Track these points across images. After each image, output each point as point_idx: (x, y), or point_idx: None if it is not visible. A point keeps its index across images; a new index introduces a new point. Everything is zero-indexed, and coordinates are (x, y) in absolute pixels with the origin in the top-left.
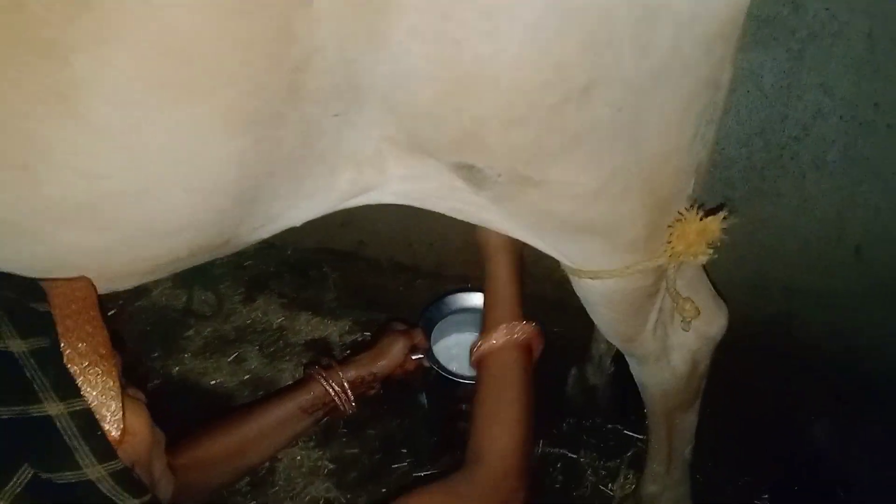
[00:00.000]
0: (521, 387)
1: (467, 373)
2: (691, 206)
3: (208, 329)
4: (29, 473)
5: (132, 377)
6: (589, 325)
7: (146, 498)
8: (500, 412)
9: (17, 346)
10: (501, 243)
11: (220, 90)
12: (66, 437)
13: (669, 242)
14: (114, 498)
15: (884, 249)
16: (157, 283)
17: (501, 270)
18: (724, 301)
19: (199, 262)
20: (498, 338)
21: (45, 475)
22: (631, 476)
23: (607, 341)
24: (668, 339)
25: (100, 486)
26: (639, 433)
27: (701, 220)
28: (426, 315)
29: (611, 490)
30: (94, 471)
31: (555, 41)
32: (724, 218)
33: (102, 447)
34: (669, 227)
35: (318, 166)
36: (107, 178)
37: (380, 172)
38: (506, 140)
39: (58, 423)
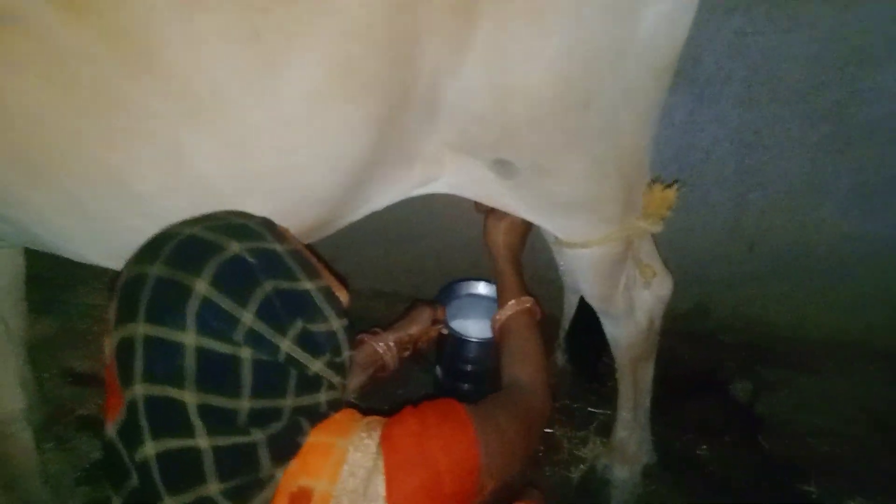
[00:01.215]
0: (535, 337)
1: (477, 335)
2: (652, 182)
3: None
4: (301, 325)
5: None
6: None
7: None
8: (525, 353)
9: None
10: (505, 244)
11: (366, 98)
12: (318, 302)
13: (644, 207)
14: (341, 346)
15: (770, 243)
16: None
17: (506, 265)
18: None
19: (312, 239)
20: (512, 307)
21: (308, 326)
22: (598, 441)
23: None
24: (633, 300)
25: (339, 335)
26: (599, 409)
27: (662, 191)
28: (438, 298)
29: (583, 453)
30: (337, 322)
31: (566, 69)
32: (677, 189)
33: (339, 308)
34: (644, 194)
35: (403, 160)
36: (292, 153)
37: (439, 168)
38: (530, 138)
39: (313, 294)
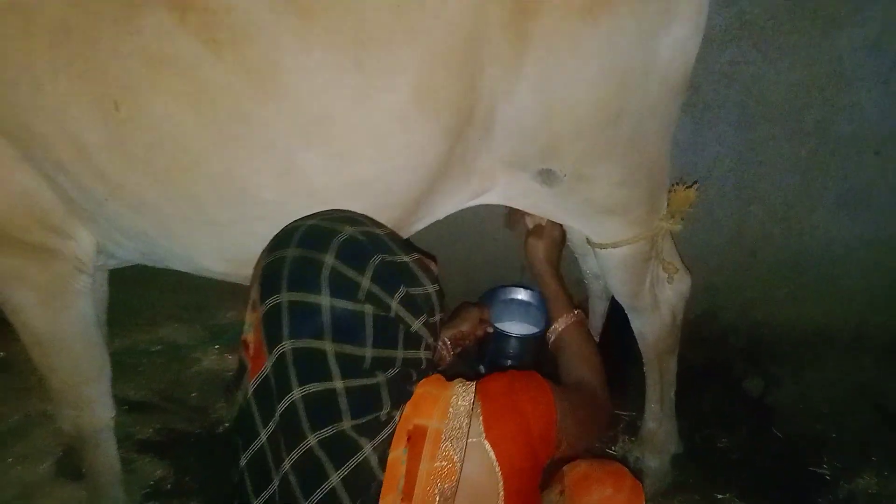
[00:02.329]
0: (590, 343)
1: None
2: (674, 185)
3: None
4: (404, 289)
5: None
6: None
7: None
8: (584, 358)
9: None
10: (546, 259)
11: (442, 116)
12: (415, 271)
13: (668, 205)
14: (435, 307)
15: (770, 250)
16: None
17: (551, 279)
18: None
19: None
20: (565, 321)
21: (409, 290)
22: (626, 439)
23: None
24: (657, 296)
25: (433, 298)
26: (625, 412)
27: (684, 191)
28: (482, 301)
29: (614, 451)
30: (431, 287)
31: (601, 90)
32: (696, 189)
33: (432, 276)
34: (668, 192)
35: (463, 173)
36: (383, 163)
37: (492, 181)
38: (571, 150)
39: (410, 265)
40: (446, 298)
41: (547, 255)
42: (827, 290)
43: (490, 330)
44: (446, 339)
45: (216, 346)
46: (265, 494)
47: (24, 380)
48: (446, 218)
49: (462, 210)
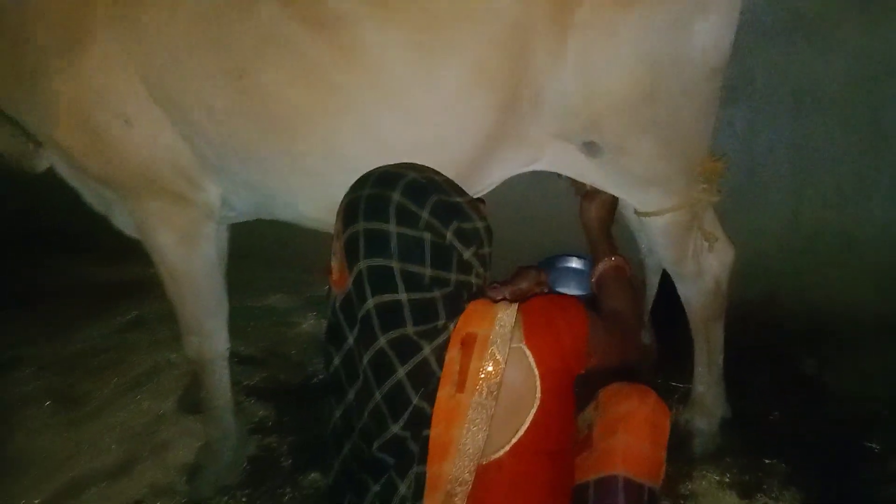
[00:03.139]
0: (627, 283)
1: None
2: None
3: None
4: (456, 224)
5: None
6: None
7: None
8: (621, 295)
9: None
10: (597, 217)
11: (496, 88)
12: (466, 210)
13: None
14: (484, 240)
15: (826, 236)
16: None
17: (599, 234)
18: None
19: None
20: (606, 263)
21: (461, 225)
22: (679, 408)
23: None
24: (701, 264)
25: (481, 232)
26: (678, 383)
27: (712, 163)
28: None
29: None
30: (480, 223)
31: (637, 72)
32: (723, 161)
33: (481, 215)
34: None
35: (516, 142)
36: (446, 126)
37: (541, 150)
38: (611, 125)
39: (462, 204)
40: (510, 262)
41: (598, 213)
42: (882, 273)
43: (546, 291)
44: (507, 295)
45: (313, 313)
46: (356, 386)
47: (153, 334)
48: (513, 190)
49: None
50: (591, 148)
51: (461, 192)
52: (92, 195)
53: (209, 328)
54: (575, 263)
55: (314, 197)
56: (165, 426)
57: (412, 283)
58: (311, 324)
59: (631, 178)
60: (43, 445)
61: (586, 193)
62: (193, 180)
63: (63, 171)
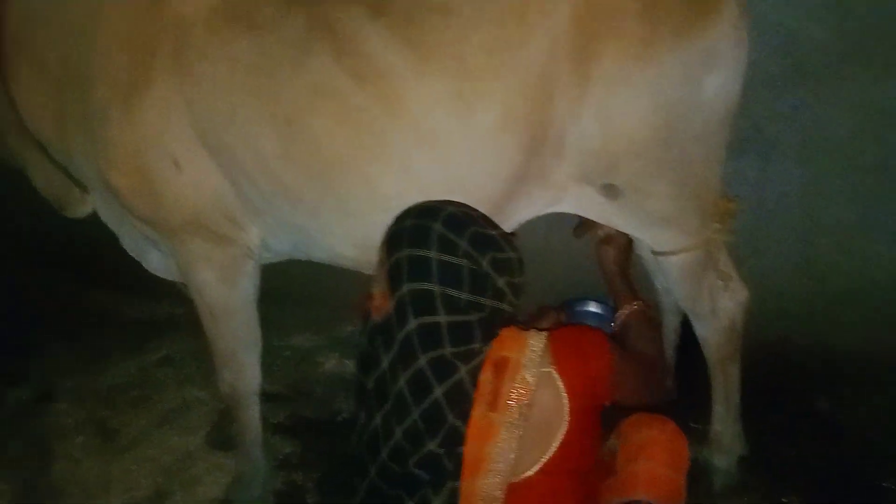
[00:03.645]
0: (651, 327)
1: None
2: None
3: None
4: (491, 254)
5: None
6: None
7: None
8: (645, 339)
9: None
10: (616, 262)
11: (522, 132)
12: (501, 242)
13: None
14: (516, 270)
15: (837, 278)
16: None
17: (618, 279)
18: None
19: None
20: (628, 309)
21: (496, 255)
22: (695, 446)
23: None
24: (716, 303)
25: (514, 263)
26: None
27: (726, 203)
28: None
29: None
30: (513, 254)
31: (653, 120)
32: (736, 202)
33: (514, 246)
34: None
35: (540, 183)
36: (476, 166)
37: (563, 192)
38: (629, 168)
39: (497, 237)
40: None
41: (616, 258)
42: (893, 313)
43: None
44: None
45: (336, 353)
46: (384, 409)
47: (180, 372)
48: (533, 232)
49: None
50: (610, 190)
51: (495, 226)
52: (129, 238)
53: (244, 363)
54: (594, 307)
55: (352, 235)
56: (195, 461)
57: (451, 306)
58: (335, 363)
59: (648, 218)
60: (79, 476)
61: (603, 238)
62: (236, 221)
63: (105, 214)
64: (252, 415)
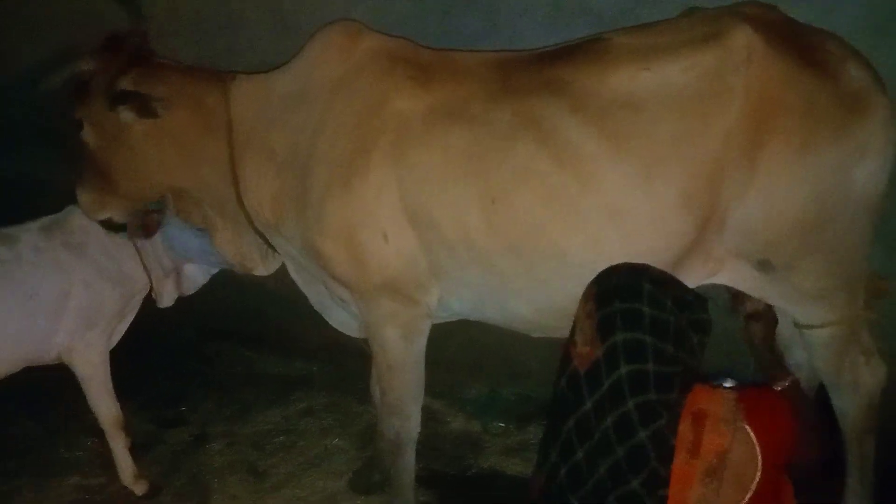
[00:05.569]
0: (806, 399)
1: None
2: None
3: None
4: (688, 314)
5: None
6: None
7: None
8: (804, 409)
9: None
10: (763, 337)
11: (695, 210)
12: (695, 303)
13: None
14: (706, 330)
15: None
16: None
17: (768, 353)
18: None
19: None
20: (782, 384)
21: (691, 315)
22: None
23: None
24: (857, 377)
25: (706, 324)
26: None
27: (875, 281)
28: None
29: None
30: (705, 315)
31: (810, 204)
32: (886, 282)
33: (705, 307)
34: (864, 285)
35: (702, 257)
36: (654, 241)
37: (720, 265)
38: (786, 246)
39: (691, 298)
40: None
41: (764, 334)
42: None
43: None
44: None
45: (462, 414)
46: (588, 445)
47: (321, 422)
48: None
49: None
50: (764, 265)
51: (687, 289)
52: (316, 296)
53: (410, 413)
54: (729, 383)
55: (535, 299)
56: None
57: (659, 357)
58: (461, 422)
59: (799, 293)
60: None
61: (751, 314)
62: (423, 284)
63: (300, 277)
64: (409, 459)
